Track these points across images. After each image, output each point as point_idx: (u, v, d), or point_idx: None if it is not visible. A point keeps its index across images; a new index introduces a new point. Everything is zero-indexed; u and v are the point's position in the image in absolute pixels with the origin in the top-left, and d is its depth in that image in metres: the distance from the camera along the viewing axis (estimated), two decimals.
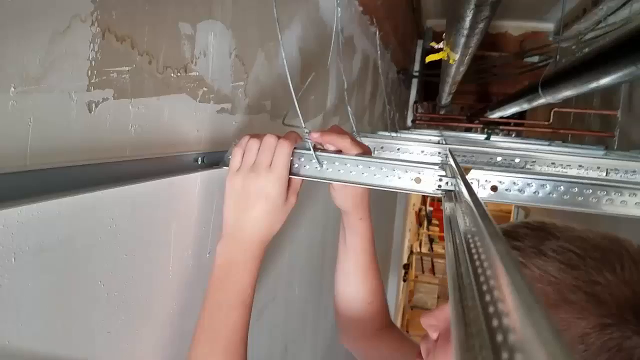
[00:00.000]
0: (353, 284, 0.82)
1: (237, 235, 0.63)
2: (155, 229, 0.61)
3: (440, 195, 0.64)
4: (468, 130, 4.74)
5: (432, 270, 9.26)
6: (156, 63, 0.57)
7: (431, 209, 10.84)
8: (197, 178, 0.69)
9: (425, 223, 10.39)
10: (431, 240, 10.21)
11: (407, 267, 7.14)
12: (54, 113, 0.43)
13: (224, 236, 0.63)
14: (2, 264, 0.39)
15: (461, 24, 1.25)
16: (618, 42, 1.20)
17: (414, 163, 0.65)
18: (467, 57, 1.56)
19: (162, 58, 0.58)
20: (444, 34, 1.52)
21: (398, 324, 6.43)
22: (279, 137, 0.64)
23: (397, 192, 0.83)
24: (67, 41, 0.43)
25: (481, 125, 3.70)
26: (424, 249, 9.79)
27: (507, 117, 4.43)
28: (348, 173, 0.67)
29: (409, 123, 4.09)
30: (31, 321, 0.43)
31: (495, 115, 4.36)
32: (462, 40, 1.36)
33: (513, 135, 4.88)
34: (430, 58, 1.67)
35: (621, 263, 0.44)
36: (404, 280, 7.17)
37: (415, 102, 4.11)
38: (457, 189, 0.62)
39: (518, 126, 4.81)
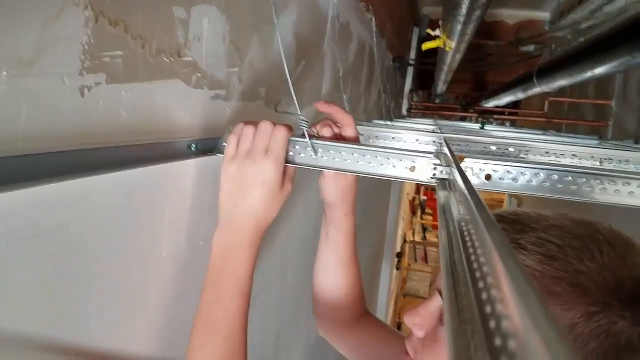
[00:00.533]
0: (332, 277, 0.82)
1: (234, 223, 0.62)
2: (149, 216, 0.61)
3: (434, 184, 0.64)
4: (463, 119, 4.76)
5: (425, 259, 9.31)
6: (150, 48, 0.56)
7: (425, 198, 10.88)
8: (190, 165, 0.69)
9: (419, 212, 10.42)
10: (424, 229, 10.26)
11: (400, 255, 7.17)
12: (46, 97, 0.43)
13: (220, 225, 0.63)
14: None
15: (458, 11, 1.25)
16: (613, 31, 1.20)
17: (408, 152, 0.65)
18: (463, 45, 1.56)
19: (156, 43, 0.57)
20: (441, 22, 1.51)
21: (390, 311, 6.46)
22: (274, 124, 0.64)
23: (391, 181, 0.83)
24: (60, 25, 0.43)
25: (476, 115, 3.70)
26: (417, 238, 9.84)
27: (502, 107, 4.44)
28: (343, 161, 0.67)
29: (404, 112, 4.09)
30: (25, 308, 0.43)
31: (491, 104, 4.36)
32: (459, 27, 1.35)
33: (508, 125, 4.89)
34: (427, 46, 1.67)
35: (599, 249, 0.45)
36: (397, 269, 7.21)
37: (411, 91, 4.10)
38: (452, 177, 0.62)
39: (513, 115, 4.82)
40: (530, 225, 0.49)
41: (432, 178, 0.65)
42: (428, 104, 4.72)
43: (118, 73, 0.51)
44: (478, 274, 0.23)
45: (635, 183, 0.61)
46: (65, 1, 0.43)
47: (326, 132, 0.72)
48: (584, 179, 0.61)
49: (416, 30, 3.97)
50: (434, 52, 4.32)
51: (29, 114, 0.41)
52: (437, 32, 1.52)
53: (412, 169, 0.66)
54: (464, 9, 1.21)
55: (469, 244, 0.29)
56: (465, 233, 0.31)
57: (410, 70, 4.01)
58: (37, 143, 0.42)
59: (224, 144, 0.67)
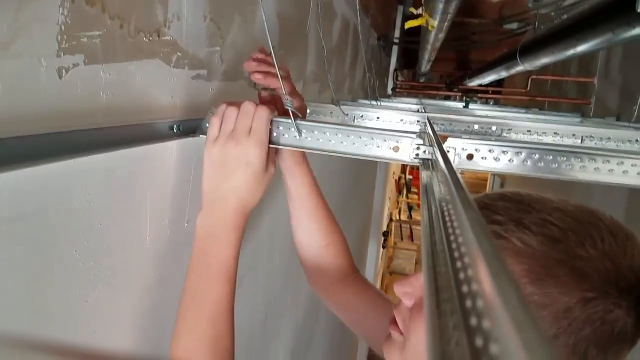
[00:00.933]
0: (306, 230, 0.84)
1: (217, 206, 0.61)
2: (131, 198, 0.60)
3: (417, 164, 0.65)
4: (447, 98, 4.76)
5: (411, 237, 9.41)
6: (128, 27, 0.55)
7: (410, 177, 10.93)
8: (172, 146, 0.68)
9: (405, 191, 10.49)
10: (410, 208, 10.34)
11: (386, 234, 7.23)
12: (23, 79, 0.42)
13: (203, 208, 0.62)
14: None
15: None
16: (595, 8, 1.20)
17: (392, 132, 0.65)
18: (445, 24, 1.55)
19: (134, 22, 0.56)
20: (423, 0, 1.51)
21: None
22: (257, 105, 0.63)
23: (377, 161, 0.84)
24: (35, 5, 0.41)
25: (460, 94, 3.71)
26: (403, 217, 9.92)
27: (486, 85, 4.46)
28: (327, 142, 0.67)
29: (389, 91, 4.08)
30: (6, 292, 0.43)
31: (474, 83, 4.38)
32: (441, 5, 1.34)
33: (491, 103, 4.91)
34: (409, 24, 1.66)
35: (601, 236, 0.45)
36: (383, 247, 7.28)
37: (395, 70, 4.09)
38: (434, 157, 0.62)
39: (496, 94, 4.83)
40: (534, 206, 0.49)
41: (415, 158, 0.65)
42: (412, 83, 4.72)
43: (96, 53, 0.50)
44: (456, 254, 0.24)
45: (614, 160, 0.62)
46: None
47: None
48: (564, 157, 0.62)
49: (400, 8, 3.94)
50: (418, 30, 4.30)
51: (5, 96, 0.40)
52: (420, 11, 1.51)
53: (396, 149, 0.66)
54: None
55: (449, 224, 0.29)
56: (446, 213, 0.32)
57: (395, 49, 3.99)
58: (14, 126, 0.41)
59: (207, 124, 0.66)
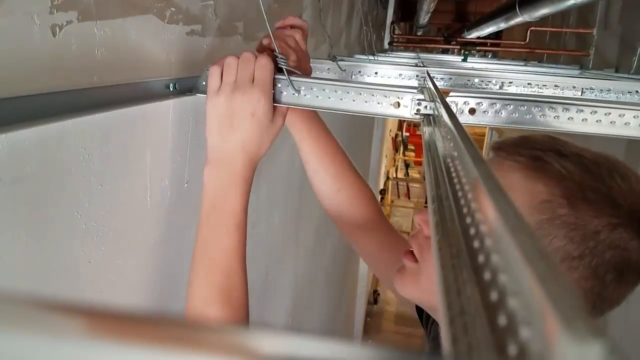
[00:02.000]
0: (320, 176, 0.84)
1: (224, 158, 0.60)
2: (130, 159, 0.60)
3: (419, 120, 0.64)
4: (445, 52, 4.69)
5: (408, 195, 9.46)
6: None
7: (407, 134, 10.89)
8: (169, 106, 0.67)
9: (402, 148, 10.48)
10: (407, 166, 10.35)
11: (383, 192, 7.27)
12: (16, 38, 0.40)
13: (209, 162, 0.61)
14: None
15: None
16: None
17: (392, 87, 0.64)
18: None
19: None
20: None
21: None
22: (256, 54, 0.62)
23: (374, 118, 0.83)
24: None
25: (458, 47, 3.65)
26: (400, 175, 9.95)
27: (484, 38, 4.38)
28: (326, 99, 0.66)
29: (386, 45, 4.01)
30: (10, 255, 0.43)
31: (472, 35, 4.30)
32: None
33: (489, 56, 4.85)
34: None
35: (627, 174, 0.50)
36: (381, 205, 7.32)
37: (392, 23, 4.01)
38: (436, 112, 0.61)
39: (494, 47, 4.77)
40: (568, 143, 0.54)
41: (416, 114, 0.64)
42: (410, 36, 4.63)
43: (89, 10, 0.49)
44: (465, 210, 0.24)
45: (616, 112, 0.61)
46: None
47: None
48: (567, 109, 0.61)
49: None
50: None
51: None
52: None
53: (396, 105, 0.65)
54: None
55: (455, 180, 0.29)
56: (452, 169, 0.31)
57: (392, 1, 3.90)
58: (9, 87, 0.40)
59: (204, 82, 0.65)
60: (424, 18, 3.30)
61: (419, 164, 10.66)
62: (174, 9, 0.65)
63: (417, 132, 11.47)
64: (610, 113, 0.61)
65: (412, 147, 10.95)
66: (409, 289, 0.61)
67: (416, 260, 0.60)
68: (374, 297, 6.36)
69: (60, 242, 0.49)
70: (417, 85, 1.18)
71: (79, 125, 0.49)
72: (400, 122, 9.49)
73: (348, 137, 2.90)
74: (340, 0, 2.06)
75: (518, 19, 2.34)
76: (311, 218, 1.92)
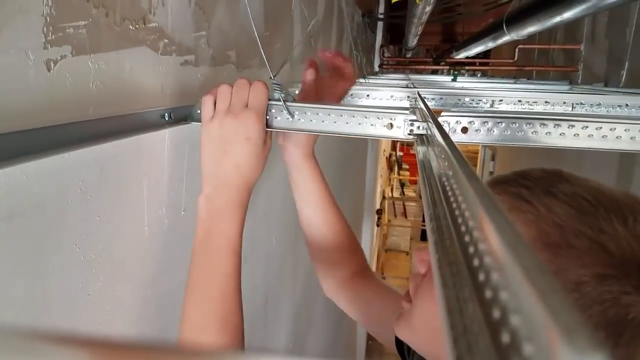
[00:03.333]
0: (314, 223, 0.84)
1: (219, 183, 0.60)
2: (127, 189, 0.60)
3: (412, 140, 0.65)
4: (434, 72, 4.75)
5: (404, 214, 9.46)
6: (113, 15, 0.54)
7: (401, 154, 10.95)
8: (165, 135, 0.68)
9: (396, 168, 10.51)
10: (402, 185, 10.37)
11: (380, 212, 7.27)
12: (12, 74, 0.41)
13: (204, 188, 0.61)
14: None
15: None
16: None
17: (385, 109, 0.65)
18: None
19: (119, 9, 0.55)
20: None
21: (373, 267, 6.59)
22: (250, 81, 0.63)
23: (370, 139, 0.84)
24: None
25: (448, 67, 3.69)
26: (396, 194, 9.96)
27: (472, 57, 4.44)
28: (320, 122, 0.67)
29: (376, 68, 4.05)
30: (10, 289, 0.43)
31: (461, 55, 4.36)
32: None
33: (479, 75, 4.91)
34: None
35: (634, 216, 0.41)
36: (378, 225, 7.31)
37: (381, 46, 4.06)
38: (429, 132, 0.62)
39: (483, 65, 4.82)
40: (569, 180, 0.46)
41: (409, 134, 0.65)
42: (399, 59, 4.69)
43: (83, 44, 0.49)
44: (463, 228, 0.24)
45: (607, 126, 0.62)
46: None
47: (308, 74, 0.77)
48: (558, 125, 0.62)
49: None
50: (403, 4, 4.25)
51: None
52: None
53: (389, 126, 0.66)
54: None
55: (452, 199, 0.29)
56: (447, 188, 0.32)
57: (380, 25, 3.96)
58: (6, 123, 0.40)
59: (198, 111, 0.66)
60: (412, 41, 3.34)
61: (414, 182, 10.69)
62: (167, 40, 0.66)
63: (411, 151, 11.54)
64: (601, 127, 0.61)
65: (407, 166, 10.99)
66: (403, 331, 0.58)
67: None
68: None
69: (59, 275, 0.49)
70: (409, 106, 1.19)
71: (76, 157, 0.49)
72: (394, 142, 9.54)
73: (343, 159, 2.91)
74: (329, 27, 2.09)
75: (506, 38, 2.38)
76: None
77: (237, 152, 0.59)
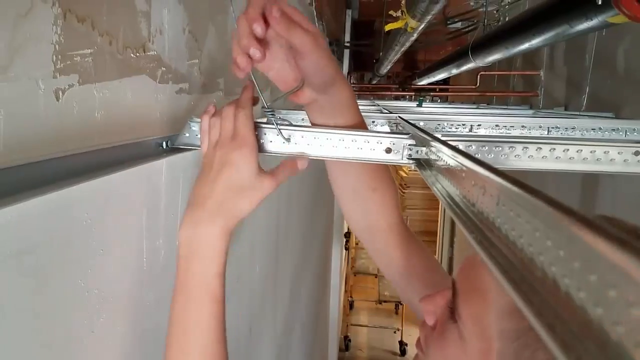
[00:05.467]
0: (352, 173, 0.74)
1: (197, 216, 0.55)
2: (128, 221, 0.58)
3: (411, 164, 0.66)
4: (397, 98, 4.85)
5: None
6: (116, 43, 0.53)
7: None
8: (162, 164, 0.66)
9: None
10: None
11: (347, 235, 7.27)
12: (22, 104, 0.40)
13: (185, 224, 0.55)
14: None
15: None
16: (551, 2, 1.25)
17: (385, 134, 0.66)
18: (423, 25, 1.56)
19: (122, 38, 0.54)
20: (404, 2, 1.52)
21: (342, 289, 6.53)
22: (235, 106, 0.58)
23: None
24: (30, 24, 0.39)
25: (414, 93, 3.78)
26: None
27: (433, 84, 4.56)
28: (318, 147, 0.66)
29: None
30: (15, 329, 0.40)
31: (424, 82, 4.47)
32: (429, 6, 1.33)
33: (439, 101, 5.04)
34: (390, 27, 1.68)
35: None
36: (346, 249, 7.31)
37: (348, 73, 4.13)
38: (427, 156, 0.63)
39: (445, 91, 4.96)
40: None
41: (408, 158, 0.65)
42: (367, 85, 4.77)
43: (89, 72, 0.48)
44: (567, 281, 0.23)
45: (587, 149, 0.64)
46: None
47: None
48: (554, 148, 0.64)
49: (349, 12, 3.98)
50: (367, 33, 4.34)
51: (7, 122, 0.38)
52: (399, 13, 1.53)
53: (388, 150, 0.66)
54: None
55: (497, 221, 0.29)
56: (473, 202, 0.32)
57: (346, 53, 4.03)
58: (19, 154, 0.39)
59: (186, 134, 0.64)
60: (385, 67, 3.41)
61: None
62: (164, 68, 0.65)
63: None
64: (581, 150, 0.64)
65: None
66: None
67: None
68: (345, 343, 6.25)
69: (64, 313, 0.46)
70: (390, 130, 1.21)
71: (82, 190, 0.47)
72: None
73: (316, 183, 2.91)
74: None
75: (470, 65, 2.46)
76: (287, 269, 1.89)
77: (221, 178, 0.55)
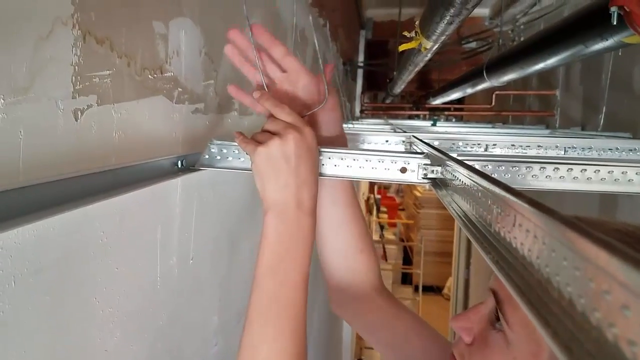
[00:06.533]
0: (341, 235, 0.74)
1: (287, 203, 0.55)
2: (143, 239, 0.58)
3: (426, 184, 0.65)
4: (411, 117, 4.85)
5: (385, 257, 9.41)
6: (134, 65, 0.54)
7: (379, 196, 11.01)
8: (177, 183, 0.67)
9: (375, 211, 10.55)
10: (382, 227, 10.38)
11: None
12: (42, 124, 0.40)
13: (272, 210, 0.55)
14: (3, 290, 0.36)
15: (448, 11, 1.23)
16: (567, 22, 1.25)
17: (399, 153, 0.66)
18: (437, 45, 1.57)
19: (140, 59, 0.55)
20: (417, 23, 1.53)
21: None
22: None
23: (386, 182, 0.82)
24: (50, 46, 0.40)
25: (424, 112, 3.78)
26: (375, 237, 9.94)
27: (447, 103, 4.56)
28: (332, 167, 0.67)
29: (357, 113, 4.12)
30: (33, 347, 0.40)
31: (438, 101, 4.47)
32: (442, 27, 1.34)
33: (453, 120, 5.02)
34: (404, 47, 1.69)
35: None
36: None
37: (362, 93, 4.15)
38: (443, 175, 0.63)
39: (459, 111, 4.95)
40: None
41: (423, 178, 0.65)
42: (381, 105, 4.79)
43: (107, 93, 0.49)
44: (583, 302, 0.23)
45: (604, 169, 0.63)
46: (54, 20, 0.41)
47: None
48: (571, 168, 0.63)
49: (363, 33, 4.02)
50: (380, 53, 4.37)
51: (27, 142, 0.38)
52: (412, 34, 1.54)
53: (403, 170, 0.66)
54: (456, 8, 1.19)
55: (538, 262, 0.29)
56: (492, 222, 0.31)
57: (360, 73, 4.06)
58: (37, 173, 0.39)
59: (206, 156, 0.64)
60: (399, 87, 3.42)
61: (393, 225, 10.71)
62: (180, 89, 0.66)
63: (388, 195, 11.61)
64: (613, 171, 0.63)
65: (384, 209, 11.02)
66: None
67: None
68: None
69: (80, 331, 0.47)
70: (404, 150, 1.21)
71: (99, 208, 0.48)
72: (371, 185, 9.58)
73: None
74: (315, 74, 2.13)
75: (485, 85, 2.46)
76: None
77: (294, 163, 0.55)
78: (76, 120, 0.45)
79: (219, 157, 0.65)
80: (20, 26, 0.37)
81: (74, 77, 0.44)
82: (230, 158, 0.65)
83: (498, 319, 0.48)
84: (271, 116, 0.60)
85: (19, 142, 0.38)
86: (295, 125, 0.56)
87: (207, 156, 0.66)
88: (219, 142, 0.64)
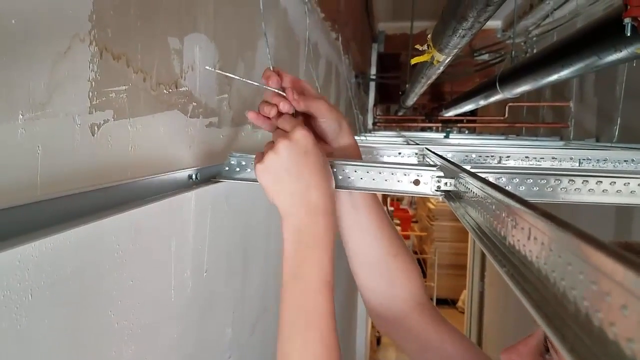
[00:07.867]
0: (369, 239, 0.71)
1: (301, 209, 0.55)
2: (157, 252, 0.59)
3: (439, 196, 0.65)
4: (423, 129, 4.85)
5: None
6: (150, 80, 0.55)
7: (392, 209, 10.97)
8: (191, 196, 0.67)
9: None
10: None
11: None
12: (60, 139, 0.41)
13: (286, 219, 0.55)
14: (20, 302, 0.36)
15: (461, 24, 1.24)
16: (580, 34, 1.25)
17: (411, 166, 0.66)
18: (450, 58, 1.58)
19: (155, 75, 0.56)
20: (429, 36, 1.54)
21: (369, 324, 6.36)
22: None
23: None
24: (68, 62, 0.41)
25: (440, 124, 3.77)
26: None
27: (459, 115, 4.55)
28: (346, 179, 0.67)
29: (369, 125, 4.13)
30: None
31: (450, 113, 4.47)
32: (455, 40, 1.34)
33: (466, 132, 5.01)
34: (416, 60, 1.70)
35: None
36: None
37: (374, 105, 4.16)
38: (456, 188, 0.62)
39: (472, 122, 4.94)
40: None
41: (437, 190, 0.65)
42: (393, 117, 4.79)
43: (123, 108, 0.50)
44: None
45: (635, 182, 0.63)
46: (72, 37, 0.42)
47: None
48: (576, 180, 0.62)
49: (375, 46, 4.04)
50: (393, 65, 4.38)
51: (44, 157, 0.39)
52: (425, 47, 1.55)
53: (416, 182, 0.66)
54: (469, 22, 1.20)
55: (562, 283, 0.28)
56: (518, 246, 0.31)
57: (372, 85, 4.07)
58: (54, 187, 0.40)
59: (226, 168, 0.65)
60: (412, 99, 3.43)
61: (406, 237, 10.64)
62: (195, 103, 0.67)
63: (401, 207, 11.56)
64: (629, 183, 0.62)
65: (397, 221, 10.97)
66: None
67: None
68: None
69: (95, 344, 0.47)
70: (417, 162, 1.21)
71: (114, 222, 0.48)
72: (384, 197, 9.55)
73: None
74: (328, 86, 2.14)
75: (498, 96, 2.45)
76: None
77: (303, 169, 0.55)
78: (93, 135, 0.45)
79: (238, 169, 0.65)
80: (39, 43, 0.38)
81: (90, 93, 0.45)
82: (248, 170, 0.65)
83: (548, 350, 0.48)
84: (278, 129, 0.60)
85: (37, 157, 0.38)
86: (285, 132, 0.56)
87: (227, 168, 0.66)
88: (238, 154, 0.65)
